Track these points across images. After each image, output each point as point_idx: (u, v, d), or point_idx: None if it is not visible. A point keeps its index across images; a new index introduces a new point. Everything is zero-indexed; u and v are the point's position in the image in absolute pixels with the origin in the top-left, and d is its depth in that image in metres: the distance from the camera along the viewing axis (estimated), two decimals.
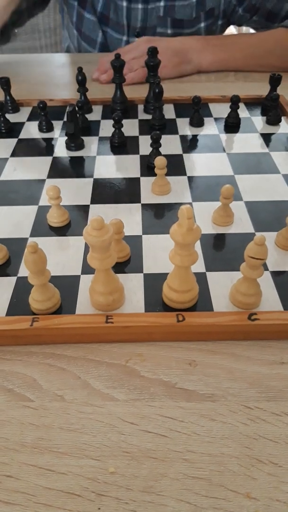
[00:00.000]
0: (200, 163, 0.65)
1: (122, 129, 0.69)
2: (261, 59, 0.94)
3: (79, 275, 0.46)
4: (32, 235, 0.52)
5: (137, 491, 0.31)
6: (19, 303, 0.43)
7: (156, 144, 0.62)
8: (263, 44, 0.94)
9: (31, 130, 0.74)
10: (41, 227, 0.53)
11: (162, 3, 1.00)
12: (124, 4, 1.01)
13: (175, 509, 0.31)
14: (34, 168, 0.64)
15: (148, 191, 0.59)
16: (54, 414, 0.36)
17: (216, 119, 0.77)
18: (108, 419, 0.36)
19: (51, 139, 0.72)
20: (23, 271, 0.47)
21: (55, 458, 0.33)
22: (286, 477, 0.32)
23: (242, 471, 0.33)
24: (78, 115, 0.70)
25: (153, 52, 0.74)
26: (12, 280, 0.46)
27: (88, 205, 0.57)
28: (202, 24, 1.04)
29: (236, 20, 1.07)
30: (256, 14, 1.03)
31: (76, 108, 0.69)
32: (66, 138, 0.69)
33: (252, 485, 0.32)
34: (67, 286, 0.45)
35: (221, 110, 0.78)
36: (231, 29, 2.15)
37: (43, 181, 0.61)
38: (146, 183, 0.61)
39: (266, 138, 0.71)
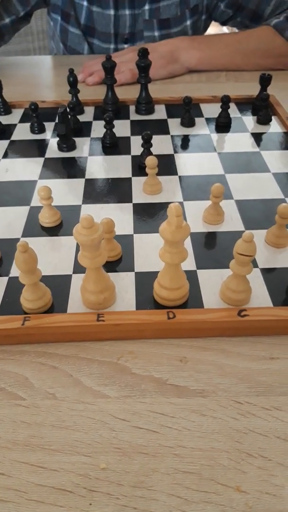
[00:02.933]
0: (191, 163, 0.65)
1: (114, 130, 0.69)
2: (247, 56, 0.95)
3: (71, 275, 0.47)
4: (24, 235, 0.52)
5: (128, 486, 0.32)
6: (10, 303, 0.43)
7: (147, 144, 0.62)
8: (247, 40, 0.95)
9: (23, 132, 0.74)
10: (33, 228, 0.54)
11: (147, 7, 1.00)
12: (112, 12, 1.01)
13: (166, 503, 0.31)
14: (26, 169, 0.65)
15: (140, 190, 0.60)
16: (46, 412, 0.36)
17: (207, 119, 0.77)
18: (100, 416, 0.36)
19: (43, 140, 0.72)
20: (15, 271, 0.47)
21: (47, 455, 0.34)
22: (275, 471, 0.33)
23: (232, 465, 0.33)
24: (69, 116, 0.71)
25: (143, 53, 0.74)
26: (3, 280, 0.46)
27: (80, 205, 0.57)
28: (188, 22, 1.05)
29: (218, 16, 1.07)
30: (239, 11, 1.03)
31: (68, 109, 0.69)
32: (58, 139, 0.69)
33: (242, 478, 0.32)
34: (58, 286, 0.45)
35: (212, 110, 0.79)
36: (221, 30, 2.16)
37: (35, 182, 0.62)
38: (137, 183, 0.61)
39: (257, 137, 0.72)
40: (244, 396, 0.37)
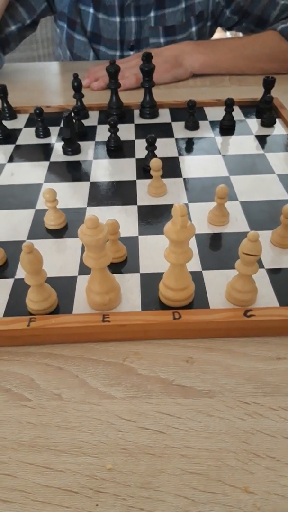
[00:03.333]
0: (196, 165, 0.66)
1: (118, 134, 0.69)
2: (251, 60, 0.95)
3: (76, 276, 0.47)
4: (29, 237, 0.53)
5: (135, 487, 0.32)
6: (16, 305, 0.44)
7: (151, 147, 0.62)
8: (252, 45, 0.95)
9: (28, 136, 0.75)
10: (38, 230, 0.54)
11: (152, 14, 1.01)
12: (118, 19, 1.01)
13: (173, 504, 0.31)
14: (31, 173, 0.65)
15: (144, 193, 0.60)
16: (52, 412, 0.36)
17: (211, 123, 0.77)
18: (106, 417, 0.36)
19: (48, 144, 0.72)
20: (20, 273, 0.47)
21: (53, 456, 0.34)
22: (283, 471, 0.32)
23: (239, 465, 0.33)
24: (74, 120, 0.71)
25: (147, 57, 0.75)
26: (9, 282, 0.46)
27: (85, 208, 0.57)
28: (194, 28, 1.05)
29: (224, 22, 1.08)
30: (244, 17, 1.04)
31: (72, 114, 0.69)
32: (62, 143, 0.69)
33: (250, 479, 0.32)
34: (64, 287, 0.45)
35: (216, 113, 0.79)
36: (224, 35, 2.17)
37: (40, 185, 0.62)
38: (142, 185, 0.61)
39: (261, 139, 0.72)
40: (251, 396, 0.37)
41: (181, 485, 0.32)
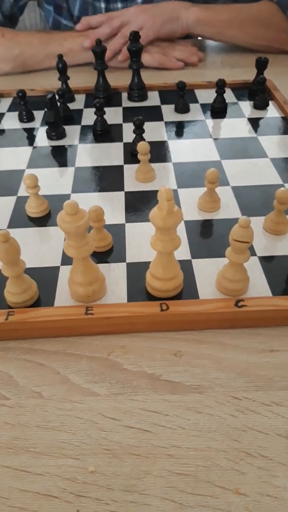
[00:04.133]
0: (186, 149, 0.63)
1: (105, 117, 0.66)
2: (245, 24, 0.91)
3: (59, 266, 0.44)
4: (10, 226, 0.50)
5: (119, 491, 0.30)
6: None
7: (139, 130, 0.60)
8: (248, 10, 0.92)
9: (11, 121, 0.72)
10: (19, 218, 0.51)
11: (140, 0, 0.97)
12: (103, 5, 0.97)
13: (159, 508, 0.29)
14: (13, 158, 0.62)
15: (132, 178, 0.57)
16: (31, 412, 0.34)
17: (202, 105, 0.74)
18: (88, 416, 0.34)
19: (32, 129, 0.69)
20: None
21: (32, 459, 0.31)
22: (276, 471, 0.31)
23: (230, 465, 0.31)
24: (59, 103, 0.68)
25: (134, 37, 0.72)
26: None
27: (70, 194, 0.55)
28: None
29: (219, 1, 1.04)
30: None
31: (57, 96, 0.66)
32: (47, 127, 0.66)
33: (241, 480, 0.30)
34: (46, 278, 0.43)
35: (207, 96, 0.76)
36: None
37: (22, 171, 0.59)
38: (129, 170, 0.58)
39: (254, 122, 0.69)
40: (243, 391, 0.35)
41: (168, 487, 0.30)
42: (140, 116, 0.59)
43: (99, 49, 0.73)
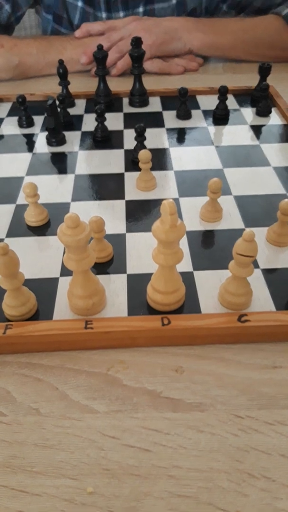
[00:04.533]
0: (187, 157, 0.62)
1: (106, 123, 0.66)
2: (249, 46, 0.90)
3: (58, 278, 0.44)
4: (8, 235, 0.49)
5: None
6: None
7: (140, 137, 0.59)
8: (253, 30, 0.90)
9: (11, 126, 0.71)
10: (18, 227, 0.50)
11: (141, 9, 0.95)
12: (104, 15, 0.96)
13: None
14: (12, 165, 0.61)
15: (133, 186, 0.56)
16: (29, 429, 0.33)
17: (204, 112, 0.74)
18: (87, 434, 0.33)
19: (32, 135, 0.69)
20: None
21: (29, 478, 0.31)
22: (280, 493, 0.30)
23: (232, 487, 0.30)
24: (59, 109, 0.67)
25: (136, 42, 0.71)
26: None
27: (69, 203, 0.54)
28: None
29: (222, 16, 1.03)
30: (243, 10, 0.99)
31: (57, 102, 0.66)
32: (46, 133, 0.65)
33: (244, 502, 0.29)
34: (44, 290, 0.42)
35: (209, 102, 0.75)
36: None
37: (21, 178, 0.58)
38: (130, 178, 0.58)
39: (256, 129, 0.69)
40: (245, 409, 0.34)
41: (169, 509, 0.29)
42: (142, 123, 0.58)
43: (100, 55, 0.72)
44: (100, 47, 0.72)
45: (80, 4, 0.96)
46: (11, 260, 0.36)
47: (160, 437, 0.33)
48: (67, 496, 0.30)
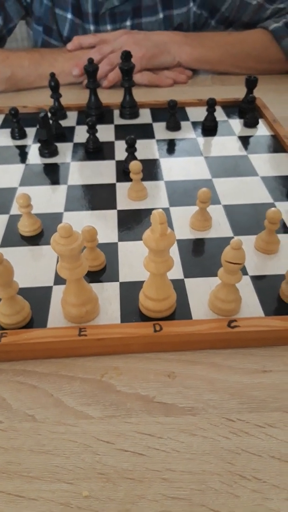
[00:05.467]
0: (177, 168, 0.64)
1: (97, 135, 0.67)
2: (237, 59, 0.93)
3: (51, 286, 0.44)
4: (2, 245, 0.50)
5: None
6: None
7: (131, 148, 0.60)
8: (241, 44, 0.93)
9: (3, 138, 0.72)
10: (12, 237, 0.51)
11: (128, 22, 0.97)
12: (92, 27, 0.98)
13: None
14: (5, 176, 0.62)
15: (124, 196, 0.58)
16: (24, 435, 0.34)
17: (193, 123, 0.75)
18: (82, 439, 0.34)
19: (24, 146, 0.70)
20: None
21: (25, 483, 0.31)
22: (271, 493, 0.31)
23: (224, 488, 0.31)
24: (51, 121, 0.68)
25: (126, 56, 0.73)
26: None
27: (62, 213, 0.55)
28: None
29: (210, 30, 1.05)
30: (231, 25, 1.02)
31: (49, 114, 0.67)
32: (39, 145, 0.67)
33: (235, 503, 0.30)
34: (38, 298, 0.43)
35: (198, 113, 0.77)
36: None
37: (15, 189, 0.59)
38: (122, 188, 0.59)
39: (244, 140, 0.70)
40: (236, 412, 0.35)
41: (163, 511, 0.30)
42: (132, 135, 0.60)
43: (91, 68, 0.73)
44: (91, 60, 0.73)
45: (69, 16, 0.97)
46: (6, 269, 0.36)
47: (153, 441, 0.33)
48: (63, 500, 0.30)
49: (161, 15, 0.97)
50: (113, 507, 0.30)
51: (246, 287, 0.44)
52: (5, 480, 0.31)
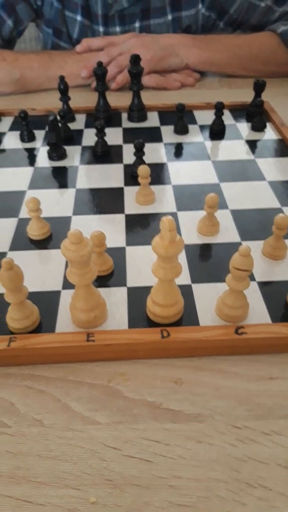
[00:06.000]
0: (185, 172, 0.64)
1: (106, 138, 0.67)
2: (245, 62, 0.93)
3: (60, 291, 0.45)
4: (11, 248, 0.50)
5: None
6: None
7: (139, 152, 0.60)
8: (248, 47, 0.93)
9: (12, 141, 0.72)
10: (21, 240, 0.51)
11: (137, 24, 0.98)
12: (101, 29, 0.98)
13: None
14: (14, 179, 0.63)
15: (132, 201, 0.58)
16: (32, 440, 0.34)
17: (200, 127, 0.76)
18: (89, 445, 0.34)
19: (33, 149, 0.70)
20: (0, 288, 0.44)
21: (33, 489, 0.32)
22: (277, 501, 0.31)
23: (230, 496, 0.31)
24: (60, 124, 0.69)
25: (135, 59, 0.73)
26: None
27: (70, 217, 0.55)
28: None
29: (218, 32, 1.05)
30: (239, 27, 1.02)
31: (58, 117, 0.67)
32: (48, 148, 0.67)
33: (242, 510, 0.30)
34: (47, 303, 0.43)
35: (206, 117, 0.77)
36: None
37: (23, 192, 0.60)
38: (130, 192, 0.59)
39: (252, 144, 0.70)
40: (243, 420, 0.35)
41: None
42: (141, 139, 0.60)
43: (100, 71, 0.74)
44: (100, 63, 0.74)
45: (79, 18, 0.98)
46: (16, 274, 0.37)
47: (160, 447, 0.34)
48: (71, 506, 0.31)
49: (169, 17, 0.97)
50: None
51: (253, 293, 0.44)
52: (13, 485, 0.32)
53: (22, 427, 0.35)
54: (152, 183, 0.57)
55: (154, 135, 0.73)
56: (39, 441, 0.34)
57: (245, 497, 0.31)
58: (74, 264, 0.37)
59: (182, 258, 0.48)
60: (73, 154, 0.68)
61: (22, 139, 0.72)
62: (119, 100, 0.83)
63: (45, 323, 0.41)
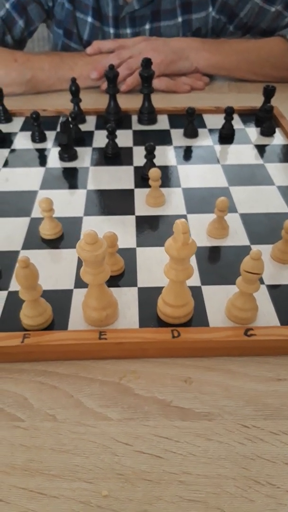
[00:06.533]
0: (194, 175, 0.65)
1: (116, 140, 0.68)
2: (254, 66, 0.94)
3: (72, 289, 0.46)
4: (24, 247, 0.51)
5: None
6: (10, 319, 0.42)
7: (150, 155, 0.61)
8: (258, 51, 0.94)
9: (24, 141, 0.73)
10: (33, 240, 0.52)
11: (147, 26, 0.99)
12: (112, 31, 0.99)
13: None
14: (26, 179, 0.64)
15: (143, 202, 0.59)
16: (46, 434, 0.35)
17: (210, 130, 0.76)
18: (101, 440, 0.35)
19: (44, 149, 0.71)
20: (15, 285, 0.46)
21: (47, 481, 0.32)
22: (284, 499, 0.32)
23: (239, 493, 0.32)
24: (71, 125, 0.70)
25: (147, 63, 0.74)
26: (3, 294, 0.45)
27: (82, 217, 0.56)
28: None
29: (228, 36, 1.06)
30: (249, 32, 1.03)
31: (69, 119, 0.68)
32: (59, 148, 0.68)
33: (250, 507, 0.31)
34: (59, 301, 0.44)
35: (215, 121, 0.78)
36: None
37: (35, 192, 0.61)
38: (140, 194, 0.60)
39: (261, 149, 0.71)
40: (251, 419, 0.36)
41: None
42: (152, 142, 0.61)
43: (111, 74, 0.75)
44: (111, 66, 0.75)
45: (89, 19, 0.99)
46: (31, 272, 0.38)
47: (170, 444, 0.34)
48: (83, 498, 0.31)
49: (180, 19, 0.98)
50: (132, 507, 0.31)
51: (262, 296, 0.45)
52: (27, 478, 0.33)
53: (36, 422, 0.36)
54: (162, 185, 0.58)
55: (164, 138, 0.74)
56: (52, 435, 0.35)
57: (253, 494, 0.32)
58: (88, 264, 0.38)
59: (192, 260, 0.49)
60: (84, 155, 0.69)
61: (34, 140, 0.73)
62: (129, 102, 0.84)
63: (58, 321, 0.42)
